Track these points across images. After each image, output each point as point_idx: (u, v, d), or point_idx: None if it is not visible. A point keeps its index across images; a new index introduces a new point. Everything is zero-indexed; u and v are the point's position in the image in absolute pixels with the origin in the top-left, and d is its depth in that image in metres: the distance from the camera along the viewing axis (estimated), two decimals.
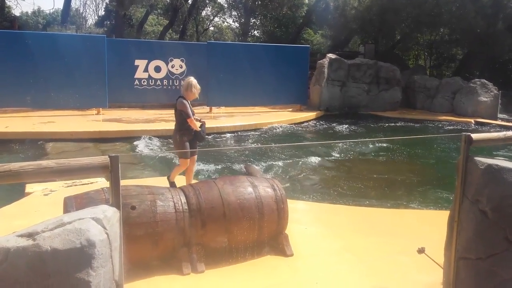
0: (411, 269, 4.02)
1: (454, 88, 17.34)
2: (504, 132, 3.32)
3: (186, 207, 3.94)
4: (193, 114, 5.73)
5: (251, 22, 32.21)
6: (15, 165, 2.07)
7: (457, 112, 16.91)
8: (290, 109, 16.40)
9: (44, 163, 2.13)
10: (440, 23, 20.25)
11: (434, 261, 3.75)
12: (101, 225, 2.05)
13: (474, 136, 3.07)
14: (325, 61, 16.99)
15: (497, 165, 2.91)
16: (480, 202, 2.92)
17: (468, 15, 18.42)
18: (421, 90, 18.33)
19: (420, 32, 22.48)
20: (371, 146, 10.63)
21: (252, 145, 11.07)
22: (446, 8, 19.24)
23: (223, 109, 15.69)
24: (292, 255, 4.25)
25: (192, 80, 5.70)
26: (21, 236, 1.99)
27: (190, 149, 5.70)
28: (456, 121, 15.76)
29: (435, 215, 5.62)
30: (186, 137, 5.64)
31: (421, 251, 3.86)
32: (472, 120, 15.67)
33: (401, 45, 24.41)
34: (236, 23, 36.53)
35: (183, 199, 3.98)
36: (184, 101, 5.60)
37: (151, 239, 3.70)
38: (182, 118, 5.60)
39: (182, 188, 4.20)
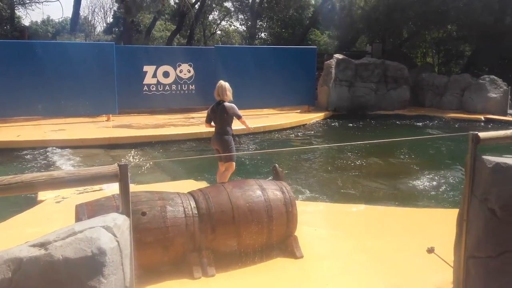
0: (421, 268, 4.02)
1: (463, 85, 17.20)
2: None
3: (196, 212, 3.98)
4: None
5: (258, 25, 32.28)
6: (27, 176, 2.12)
7: (466, 109, 16.77)
8: (298, 111, 16.40)
9: (55, 173, 2.18)
10: (447, 20, 20.13)
11: (444, 261, 3.74)
12: (112, 233, 2.09)
13: (481, 134, 3.06)
14: (332, 62, 16.97)
15: (505, 163, 2.91)
16: (489, 200, 2.91)
17: (475, 11, 18.28)
18: (429, 88, 18.22)
19: (427, 30, 22.35)
20: (377, 146, 10.60)
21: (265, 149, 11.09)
22: (453, 4, 19.11)
23: None
24: (302, 257, 4.27)
25: (224, 83, 6.01)
26: (34, 246, 2.03)
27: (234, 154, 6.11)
28: (466, 118, 15.66)
29: (444, 214, 5.60)
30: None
31: (430, 250, 3.85)
32: (482, 117, 15.55)
33: (408, 43, 24.28)
34: (243, 26, 36.66)
35: (193, 204, 4.02)
36: (232, 103, 5.95)
37: (162, 244, 3.75)
38: (231, 121, 5.97)
39: (191, 193, 4.23)
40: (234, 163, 6.11)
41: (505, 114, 15.86)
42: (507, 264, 2.87)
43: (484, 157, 3.00)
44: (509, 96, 16.24)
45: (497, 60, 20.03)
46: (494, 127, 13.88)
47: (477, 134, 3.05)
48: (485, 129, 13.84)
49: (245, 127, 6.21)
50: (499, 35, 18.24)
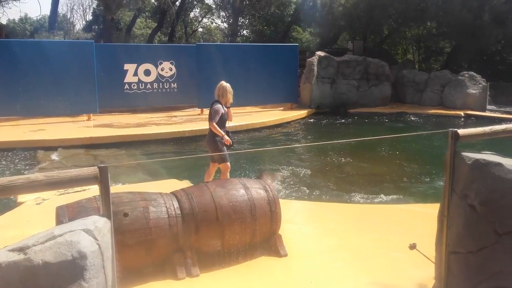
0: (404, 265, 4.07)
1: (443, 81, 17.45)
2: (490, 127, 3.35)
3: (179, 212, 3.95)
4: (227, 119, 5.97)
5: (239, 22, 32.22)
6: (3, 180, 2.07)
7: (446, 105, 17.02)
8: (281, 108, 16.43)
9: (33, 176, 2.14)
10: (426, 17, 20.35)
11: (426, 256, 3.79)
12: (92, 236, 2.06)
13: (461, 131, 3.10)
14: (314, 59, 17.03)
15: (484, 159, 2.94)
16: (469, 196, 2.95)
17: (454, 8, 18.53)
18: (410, 85, 18.44)
19: (407, 27, 22.58)
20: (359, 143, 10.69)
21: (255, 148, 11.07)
22: (432, 2, 19.35)
23: None
24: (286, 255, 4.27)
25: (225, 84, 5.91)
26: (12, 250, 1.99)
27: (225, 154, 5.90)
28: (446, 114, 15.88)
29: (425, 210, 5.67)
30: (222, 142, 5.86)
31: (412, 247, 3.90)
32: (462, 113, 15.79)
33: (389, 40, 24.49)
34: (224, 23, 36.58)
35: (176, 204, 3.99)
36: (219, 105, 5.82)
37: (145, 245, 3.71)
38: (220, 122, 5.81)
39: (174, 193, 4.20)
40: (227, 163, 6.01)
41: (484, 110, 16.13)
42: (487, 259, 2.91)
43: (463, 153, 3.03)
44: (488, 92, 16.52)
45: (475, 56, 20.35)
46: (474, 123, 14.10)
47: (456, 131, 3.08)
48: (465, 125, 14.06)
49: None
50: (477, 32, 18.52)
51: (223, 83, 5.96)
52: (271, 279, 3.88)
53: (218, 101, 5.91)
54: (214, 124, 5.78)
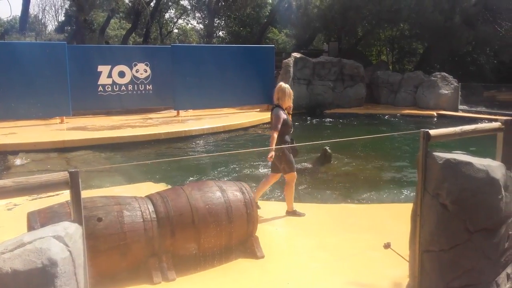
0: (379, 264, 4.11)
1: (416, 82, 17.78)
2: (461, 127, 3.42)
3: (154, 216, 3.90)
4: (291, 126, 5.39)
5: (215, 23, 32.15)
6: None
7: (419, 105, 17.34)
8: (258, 109, 16.45)
9: (1, 182, 2.08)
10: (400, 19, 20.70)
11: (400, 255, 3.85)
12: (63, 243, 2.02)
13: (432, 132, 3.15)
14: (290, 60, 17.13)
15: (454, 159, 3.00)
16: (440, 195, 3.00)
17: (426, 10, 18.89)
18: (384, 85, 18.72)
19: (381, 28, 22.93)
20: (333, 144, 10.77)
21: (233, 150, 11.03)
22: (405, 3, 19.68)
23: (190, 112, 15.61)
24: (263, 257, 4.27)
25: (284, 86, 5.37)
26: None
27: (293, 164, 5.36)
28: (419, 114, 16.17)
29: (400, 209, 5.75)
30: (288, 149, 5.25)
31: (387, 246, 3.95)
32: (435, 113, 16.10)
33: (363, 42, 24.81)
34: (200, 24, 36.46)
35: (151, 208, 3.94)
36: (281, 111, 5.26)
37: (120, 250, 3.65)
38: (283, 129, 5.20)
39: (149, 197, 4.15)
40: (294, 172, 5.44)
41: (456, 110, 16.49)
42: (459, 257, 2.97)
43: (434, 153, 3.08)
44: (460, 93, 16.89)
45: (447, 57, 20.78)
46: (446, 123, 14.38)
47: (427, 131, 3.13)
48: (438, 125, 14.33)
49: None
50: (449, 33, 18.93)
51: (282, 84, 5.40)
52: (248, 281, 3.87)
53: (279, 106, 5.33)
54: (275, 135, 5.13)
